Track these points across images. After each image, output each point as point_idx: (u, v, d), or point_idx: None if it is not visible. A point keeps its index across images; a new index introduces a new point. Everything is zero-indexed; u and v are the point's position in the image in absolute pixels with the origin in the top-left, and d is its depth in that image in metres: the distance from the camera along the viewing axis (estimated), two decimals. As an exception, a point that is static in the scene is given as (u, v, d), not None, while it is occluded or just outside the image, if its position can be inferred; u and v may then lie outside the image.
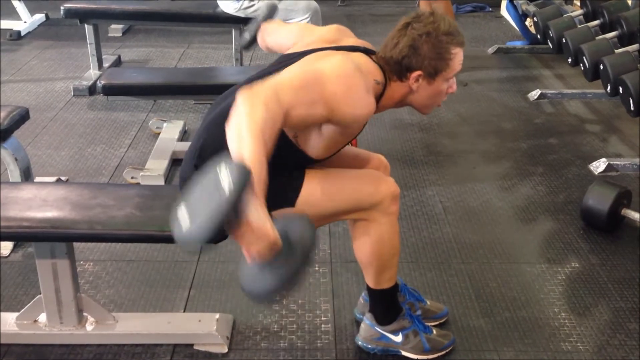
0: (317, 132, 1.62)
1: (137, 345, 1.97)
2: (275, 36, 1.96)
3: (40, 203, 1.87)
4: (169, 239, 1.81)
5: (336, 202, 1.71)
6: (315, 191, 1.68)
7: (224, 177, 1.18)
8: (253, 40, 2.05)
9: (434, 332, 1.97)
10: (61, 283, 1.89)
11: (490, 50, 4.76)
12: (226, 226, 1.19)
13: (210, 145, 1.69)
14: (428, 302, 2.09)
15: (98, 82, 2.86)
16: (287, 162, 1.63)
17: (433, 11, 1.68)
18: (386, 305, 1.91)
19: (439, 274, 2.33)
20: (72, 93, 3.82)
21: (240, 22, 3.66)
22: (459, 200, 2.82)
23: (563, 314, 2.15)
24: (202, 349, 1.96)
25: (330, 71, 1.53)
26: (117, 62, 4.28)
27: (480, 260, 2.42)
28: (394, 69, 1.67)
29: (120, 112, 3.60)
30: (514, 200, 2.85)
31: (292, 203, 1.66)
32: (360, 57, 1.65)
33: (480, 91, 4.07)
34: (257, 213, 1.22)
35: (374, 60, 1.68)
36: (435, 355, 1.94)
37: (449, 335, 2.00)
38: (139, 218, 1.81)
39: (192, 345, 1.97)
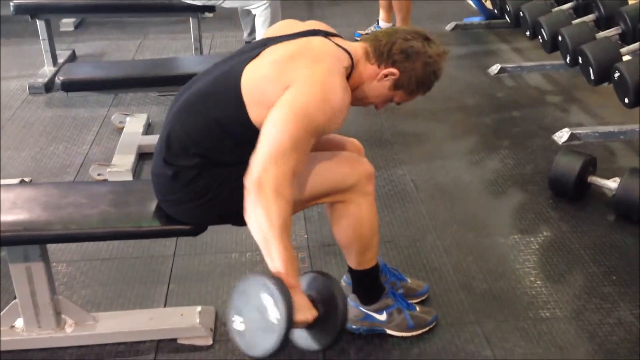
0: None
1: (119, 343, 1.93)
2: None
3: (10, 206, 1.81)
4: (145, 235, 1.81)
5: (313, 186, 1.71)
6: (293, 177, 1.67)
7: (271, 311, 1.42)
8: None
9: (417, 309, 1.99)
10: (37, 286, 1.85)
11: (448, 27, 4.80)
12: None
13: (177, 136, 1.67)
14: (409, 280, 2.11)
15: (56, 78, 2.78)
16: None
17: (448, 51, 1.74)
18: (369, 285, 1.92)
19: (415, 252, 2.36)
20: (27, 91, 3.71)
21: (197, 10, 3.60)
22: (430, 178, 2.85)
23: (539, 282, 2.20)
24: (187, 342, 1.94)
25: (311, 102, 1.53)
26: (72, 57, 4.17)
27: (455, 236, 2.45)
28: (382, 51, 1.68)
29: (80, 109, 3.52)
30: (483, 174, 2.89)
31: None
32: (323, 42, 1.65)
33: (441, 68, 4.09)
34: (299, 309, 1.45)
35: (335, 43, 1.67)
36: (419, 332, 1.96)
37: (431, 311, 2.02)
38: (113, 215, 1.77)
39: (176, 339, 1.94)
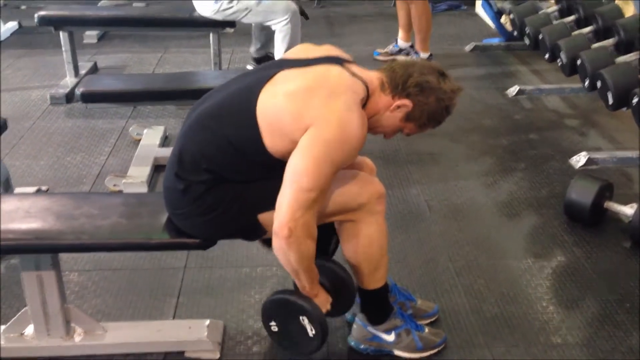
0: None
1: (127, 354, 1.94)
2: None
3: (24, 214, 1.83)
4: (155, 247, 1.82)
5: (324, 205, 1.70)
6: (303, 194, 1.68)
7: (310, 328, 1.80)
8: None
9: (426, 330, 1.97)
10: (47, 295, 1.86)
11: (468, 48, 4.79)
12: None
13: (189, 152, 1.68)
14: (418, 301, 2.09)
15: (76, 89, 2.83)
16: (275, 172, 1.63)
17: (461, 88, 1.77)
18: (378, 304, 1.91)
19: (427, 272, 2.34)
20: (49, 101, 3.76)
21: (217, 25, 3.64)
22: (444, 199, 2.84)
23: (551, 307, 2.17)
24: (194, 355, 1.94)
25: (332, 140, 1.56)
26: (94, 69, 4.23)
27: (467, 257, 2.43)
28: (397, 83, 1.70)
29: (98, 120, 3.56)
30: (497, 196, 2.88)
31: (281, 207, 1.66)
32: (341, 73, 1.66)
33: (459, 89, 4.08)
34: (320, 300, 1.81)
35: (350, 72, 1.68)
36: (428, 354, 1.95)
37: (440, 333, 2.00)
38: (125, 227, 1.78)
39: (183, 352, 1.95)
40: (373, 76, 1.73)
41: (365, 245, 1.77)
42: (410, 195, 2.86)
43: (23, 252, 1.80)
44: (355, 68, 1.72)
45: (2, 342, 1.91)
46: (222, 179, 1.67)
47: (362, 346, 1.95)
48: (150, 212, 1.84)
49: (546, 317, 2.13)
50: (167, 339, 1.96)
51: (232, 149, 1.64)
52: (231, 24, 3.66)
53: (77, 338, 1.94)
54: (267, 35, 3.96)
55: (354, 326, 1.96)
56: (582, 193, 2.59)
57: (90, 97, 2.81)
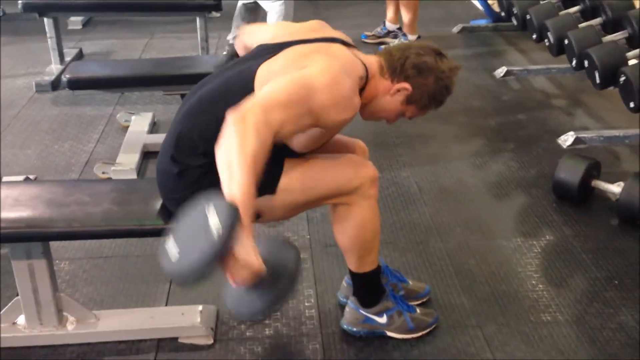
0: (302, 132, 1.62)
1: (120, 342, 1.94)
2: (256, 35, 1.92)
3: (13, 203, 1.82)
4: (148, 233, 1.81)
5: (316, 188, 1.71)
6: (295, 178, 1.67)
7: (214, 220, 1.25)
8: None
9: (418, 311, 1.99)
10: (39, 283, 1.86)
11: (455, 29, 4.79)
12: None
13: (187, 135, 1.67)
14: (410, 282, 2.11)
15: (62, 76, 2.80)
16: (275, 154, 1.61)
17: (459, 67, 1.76)
18: (369, 287, 1.92)
19: (418, 254, 2.35)
20: (34, 89, 3.73)
21: (204, 9, 3.61)
22: (434, 180, 2.85)
23: (541, 286, 2.19)
24: (187, 341, 1.94)
25: (318, 79, 1.51)
26: (79, 56, 4.19)
27: (458, 238, 2.45)
28: (395, 66, 1.69)
29: (86, 107, 3.53)
30: (486, 177, 2.89)
31: (272, 190, 1.65)
32: (341, 49, 1.65)
33: (447, 70, 4.08)
34: (243, 245, 1.28)
35: (354, 54, 1.67)
36: (420, 334, 1.96)
37: (432, 313, 2.02)
38: (117, 213, 1.78)
39: (176, 338, 1.95)
40: (372, 60, 1.72)
41: (358, 228, 1.77)
42: (400, 177, 2.87)
43: (13, 241, 1.79)
44: (356, 51, 1.72)
45: (-5, 332, 1.91)
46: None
47: (355, 329, 1.96)
48: (143, 198, 1.84)
49: (536, 295, 2.15)
50: (160, 325, 1.96)
51: None
52: (217, 7, 3.63)
53: (70, 327, 1.94)
54: (249, 23, 3.94)
55: (347, 309, 1.97)
56: (570, 172, 2.61)
57: (76, 84, 2.79)
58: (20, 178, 2.77)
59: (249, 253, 1.28)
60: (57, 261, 2.30)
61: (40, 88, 3.71)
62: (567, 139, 3.13)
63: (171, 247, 1.32)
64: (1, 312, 1.92)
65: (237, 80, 1.64)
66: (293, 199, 1.67)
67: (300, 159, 1.70)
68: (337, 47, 1.66)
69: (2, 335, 1.91)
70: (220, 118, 1.62)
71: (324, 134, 1.64)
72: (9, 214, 1.78)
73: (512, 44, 4.49)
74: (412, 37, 4.30)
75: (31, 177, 2.83)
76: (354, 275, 1.90)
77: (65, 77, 2.77)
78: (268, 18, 3.65)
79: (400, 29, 4.42)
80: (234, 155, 1.32)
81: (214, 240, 1.23)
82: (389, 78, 1.71)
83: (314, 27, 1.77)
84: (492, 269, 2.27)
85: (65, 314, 1.95)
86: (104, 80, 2.86)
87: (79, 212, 1.77)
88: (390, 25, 4.47)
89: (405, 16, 4.26)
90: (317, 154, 1.74)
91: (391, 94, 1.72)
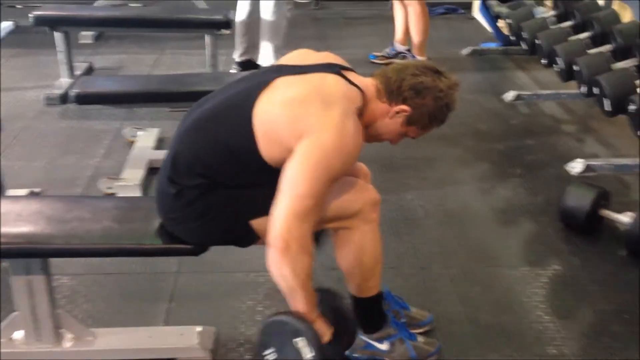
0: None
1: (117, 361, 1.92)
2: None
3: (15, 217, 1.81)
4: (147, 252, 1.80)
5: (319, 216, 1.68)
6: (296, 201, 1.65)
7: (305, 352, 1.57)
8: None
9: (420, 339, 1.95)
10: (37, 300, 1.83)
11: (465, 51, 4.78)
12: None
13: (183, 156, 1.66)
14: (412, 310, 2.07)
15: (70, 90, 2.80)
16: (270, 178, 1.61)
17: (458, 83, 1.74)
18: (371, 313, 1.89)
19: (421, 280, 2.32)
20: (43, 102, 3.72)
21: (213, 26, 3.62)
22: (439, 204, 2.82)
23: (546, 317, 2.15)
24: (185, 363, 1.92)
25: (327, 149, 1.53)
26: (89, 70, 4.20)
27: (462, 265, 2.41)
28: (392, 89, 1.68)
29: (93, 121, 3.53)
30: (493, 202, 2.86)
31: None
32: (337, 82, 1.63)
33: (456, 93, 4.07)
34: (319, 329, 1.60)
35: (347, 80, 1.66)
36: (421, 363, 1.93)
37: (434, 342, 1.98)
38: (116, 231, 1.76)
39: (174, 359, 1.92)
40: (369, 83, 1.71)
41: (358, 253, 1.75)
42: (405, 200, 2.84)
43: (12, 257, 1.78)
44: (352, 75, 1.70)
45: (-9, 347, 1.89)
46: (215, 184, 1.65)
47: (355, 355, 1.92)
48: (143, 217, 1.82)
49: (541, 326, 2.11)
50: (158, 345, 1.94)
51: (228, 154, 1.62)
52: (226, 25, 3.64)
53: (67, 344, 1.91)
54: (250, 40, 3.97)
55: (348, 334, 1.94)
56: (578, 200, 2.58)
57: (83, 99, 2.78)
58: (25, 191, 2.77)
59: (325, 337, 1.60)
60: (58, 276, 2.28)
61: (49, 101, 3.71)
62: (575, 166, 3.09)
63: (270, 355, 1.64)
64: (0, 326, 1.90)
65: (234, 104, 1.64)
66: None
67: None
68: (331, 79, 1.63)
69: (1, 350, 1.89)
70: (217, 140, 1.62)
71: None
72: (10, 229, 1.76)
73: (522, 67, 4.48)
74: (420, 59, 4.30)
75: (36, 190, 2.82)
76: (355, 300, 1.87)
77: (73, 92, 2.77)
78: (262, 24, 3.77)
79: (409, 50, 4.42)
80: (291, 283, 1.56)
81: None
82: (387, 101, 1.69)
83: (303, 55, 1.76)
84: (496, 298, 2.24)
85: (62, 330, 1.93)
86: (111, 96, 2.86)
87: (79, 229, 1.76)
88: (399, 47, 4.47)
89: (415, 38, 4.26)
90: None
91: (390, 117, 1.71)
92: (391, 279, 2.30)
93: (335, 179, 1.58)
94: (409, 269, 2.38)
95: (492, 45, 4.84)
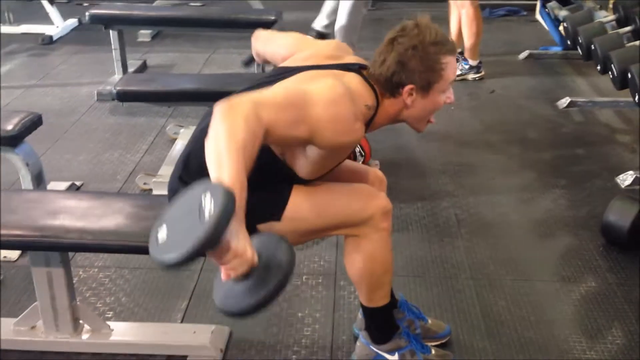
0: (302, 153, 1.58)
1: (131, 355, 1.95)
2: (270, 45, 1.92)
3: (41, 212, 1.85)
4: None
5: (324, 217, 1.66)
6: (302, 206, 1.63)
7: (208, 206, 1.18)
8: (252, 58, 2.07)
9: (433, 352, 1.90)
10: (56, 291, 1.89)
11: (522, 55, 4.63)
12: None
13: (195, 156, 1.67)
14: (429, 321, 2.02)
15: (113, 88, 2.87)
16: (275, 177, 1.60)
17: (418, 22, 1.62)
18: (380, 323, 1.85)
19: (445, 290, 2.26)
20: (95, 98, 3.85)
21: (262, 26, 3.63)
22: (474, 213, 2.74)
23: (574, 336, 2.05)
24: (196, 360, 1.93)
25: (318, 95, 1.47)
26: (143, 67, 4.31)
27: (491, 277, 2.33)
28: (385, 85, 1.63)
29: (140, 117, 3.62)
30: (532, 213, 2.75)
31: (278, 217, 1.62)
32: (353, 78, 1.60)
33: (507, 98, 3.96)
34: (236, 235, 1.24)
35: (367, 80, 1.63)
36: (432, 377, 1.88)
37: (448, 355, 1.92)
38: (129, 229, 1.79)
39: (186, 356, 1.94)
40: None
41: (366, 262, 1.71)
42: (440, 207, 2.77)
43: (32, 249, 1.84)
44: (373, 80, 1.65)
45: (13, 334, 1.95)
46: (224, 184, 1.64)
47: (365, 365, 1.89)
48: (157, 215, 1.84)
49: (567, 346, 2.01)
50: (171, 342, 1.96)
51: None
52: (274, 23, 3.65)
53: (85, 336, 1.97)
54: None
55: (358, 343, 1.91)
56: (621, 215, 2.44)
57: (124, 96, 2.86)
58: (66, 184, 2.87)
59: (240, 241, 1.24)
60: (87, 268, 2.35)
61: (101, 97, 3.84)
62: (626, 179, 2.94)
63: (161, 230, 1.27)
64: (21, 315, 1.97)
65: None
66: (298, 227, 1.63)
67: (308, 187, 1.66)
68: (351, 76, 1.61)
69: (20, 338, 1.96)
70: None
71: (326, 158, 1.59)
72: (34, 222, 1.82)
73: (580, 73, 4.29)
74: (472, 63, 4.19)
75: (77, 183, 2.92)
76: (364, 309, 1.84)
77: (114, 89, 2.85)
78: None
79: (461, 53, 4.31)
80: (223, 143, 1.28)
81: (207, 226, 1.17)
82: (391, 96, 1.64)
83: (330, 52, 1.72)
84: (522, 313, 2.15)
85: (81, 322, 1.98)
86: (152, 94, 2.92)
87: (95, 225, 1.80)
88: (452, 50, 4.36)
89: (467, 41, 4.15)
90: (326, 182, 1.70)
91: (410, 102, 1.63)
92: (414, 287, 2.26)
93: (309, 125, 1.44)
94: (434, 278, 2.32)
95: (552, 49, 4.67)
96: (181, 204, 1.29)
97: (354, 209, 1.67)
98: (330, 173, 1.70)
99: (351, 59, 1.71)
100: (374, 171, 1.89)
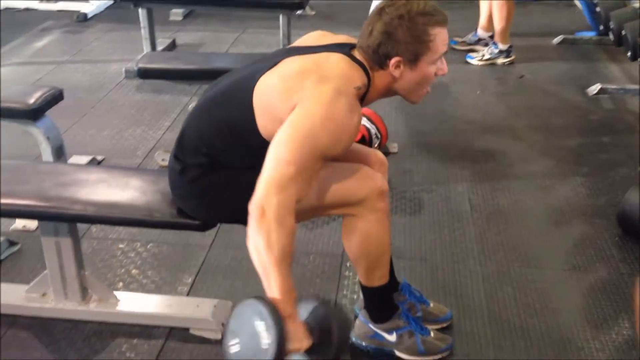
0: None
1: (135, 325, 2.00)
2: None
3: (55, 183, 1.91)
4: (155, 225, 1.87)
5: (321, 196, 1.66)
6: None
7: (264, 337, 1.36)
8: None
9: (432, 334, 1.90)
10: (65, 261, 1.95)
11: (556, 40, 4.52)
12: None
13: (188, 135, 1.71)
14: (431, 304, 2.01)
15: (134, 65, 2.92)
16: None
17: None
18: (379, 303, 1.86)
19: (451, 274, 2.25)
20: (123, 75, 3.92)
21: (287, 7, 3.64)
22: (489, 199, 2.70)
23: (578, 325, 2.02)
24: (197, 333, 1.97)
25: (314, 122, 1.48)
26: (172, 46, 4.36)
27: (499, 263, 2.31)
28: (373, 58, 1.61)
29: (165, 95, 3.67)
30: (549, 201, 2.71)
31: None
32: (339, 60, 1.60)
33: (536, 84, 3.88)
34: (294, 334, 1.38)
35: (353, 58, 1.62)
36: (429, 359, 1.87)
37: (447, 339, 1.92)
38: (131, 202, 1.83)
39: (188, 329, 1.98)
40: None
41: (363, 242, 1.72)
42: (455, 192, 2.75)
43: (41, 218, 1.90)
44: (362, 55, 1.65)
45: (25, 301, 2.03)
46: (218, 163, 1.67)
47: (363, 343, 1.90)
48: (161, 190, 1.87)
49: (570, 335, 1.98)
50: (174, 314, 2.01)
51: (229, 133, 1.64)
52: (300, 6, 3.65)
53: (92, 304, 2.02)
54: None
55: (357, 322, 1.92)
56: (638, 204, 2.38)
57: (146, 74, 2.89)
58: (88, 158, 2.94)
59: (298, 343, 1.39)
60: (101, 240, 2.42)
61: (128, 74, 3.91)
62: (650, 168, 2.87)
63: (234, 347, 1.44)
64: (32, 282, 2.04)
65: (240, 85, 1.64)
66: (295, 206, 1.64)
67: (304, 167, 1.67)
68: (335, 58, 1.60)
69: (31, 305, 2.03)
70: (220, 120, 1.65)
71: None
72: (42, 192, 1.88)
73: (614, 60, 4.18)
74: (502, 47, 4.11)
75: (98, 158, 2.99)
76: (363, 288, 1.85)
77: (136, 67, 2.89)
78: None
79: (492, 37, 4.23)
80: (264, 257, 1.41)
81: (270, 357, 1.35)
82: (380, 69, 1.62)
83: (317, 37, 1.73)
84: (528, 300, 2.13)
85: (90, 292, 2.04)
86: (173, 72, 2.95)
87: (100, 197, 1.84)
88: (482, 33, 4.30)
89: (497, 24, 4.08)
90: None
91: (398, 76, 1.62)
92: (420, 271, 2.26)
93: (324, 155, 1.50)
94: (441, 262, 2.31)
95: (587, 35, 4.55)
96: (239, 320, 1.46)
97: (349, 189, 1.67)
98: None
99: (341, 38, 1.71)
100: (375, 152, 1.89)
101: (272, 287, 1.41)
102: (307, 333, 1.41)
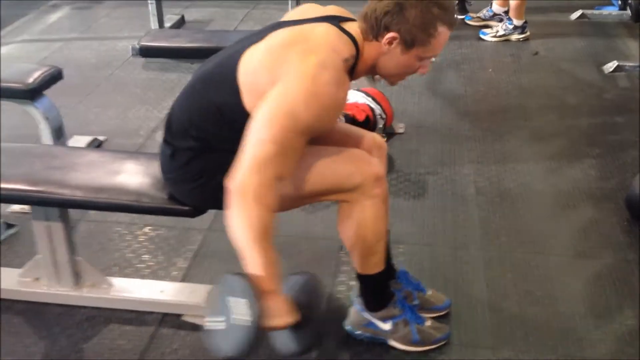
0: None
1: (128, 310, 1.99)
2: None
3: (47, 165, 1.88)
4: (145, 210, 1.83)
5: (314, 182, 1.62)
6: (293, 171, 1.59)
7: (241, 313, 1.34)
8: None
9: (428, 323, 1.86)
10: (56, 245, 1.94)
11: (574, 15, 4.39)
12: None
13: (175, 118, 1.67)
14: (429, 292, 1.97)
15: (136, 43, 2.87)
16: None
17: None
18: (374, 291, 1.82)
19: (452, 260, 2.20)
20: (130, 52, 3.88)
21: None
22: (495, 181, 2.63)
23: (580, 314, 1.97)
24: (190, 320, 1.95)
25: (295, 98, 1.43)
26: (180, 22, 4.31)
27: (502, 248, 2.25)
28: (373, 24, 1.54)
29: (172, 74, 3.63)
30: (556, 183, 2.63)
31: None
32: (326, 30, 1.53)
33: (550, 61, 3.77)
34: (276, 310, 1.37)
35: (342, 29, 1.55)
36: (424, 348, 1.83)
37: (444, 328, 1.88)
38: (122, 186, 1.80)
39: (181, 315, 1.96)
40: (358, 29, 1.58)
41: (358, 228, 1.67)
42: (460, 174, 2.68)
43: (32, 203, 1.88)
44: (350, 26, 1.58)
45: (17, 285, 2.02)
46: (208, 147, 1.63)
47: (357, 332, 1.87)
48: (153, 174, 1.84)
49: (571, 324, 1.93)
50: (167, 300, 1.99)
51: (217, 114, 1.59)
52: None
53: (85, 290, 2.01)
54: None
55: (351, 310, 1.88)
56: (648, 189, 2.30)
57: (147, 52, 2.84)
58: (89, 139, 2.92)
59: (279, 319, 1.37)
60: (99, 223, 2.40)
61: (135, 52, 3.85)
62: (665, 150, 2.77)
63: (213, 327, 1.42)
64: (24, 267, 2.03)
65: (225, 63, 1.60)
66: (288, 192, 1.59)
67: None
68: (321, 28, 1.54)
69: (23, 289, 2.02)
70: (208, 101, 1.60)
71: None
72: (35, 176, 1.85)
73: (634, 36, 4.03)
74: (517, 22, 3.99)
75: (100, 138, 2.96)
76: (358, 276, 1.80)
77: (137, 45, 2.84)
78: None
79: (507, 12, 4.11)
80: (245, 235, 1.39)
81: (244, 335, 1.33)
82: (373, 38, 1.55)
83: (306, 10, 1.66)
84: (528, 287, 2.07)
85: (83, 277, 2.02)
86: (174, 50, 2.89)
87: (90, 181, 1.81)
88: (497, 8, 4.18)
89: (512, -1, 3.96)
90: (318, 145, 1.64)
91: (386, 52, 1.56)
92: (420, 256, 2.22)
93: (307, 132, 1.46)
94: (442, 248, 2.26)
95: (607, 10, 4.40)
96: (216, 298, 1.43)
97: (343, 175, 1.62)
98: (324, 135, 1.66)
99: (330, 10, 1.64)
100: (372, 136, 1.83)
101: (252, 263, 1.39)
102: (291, 309, 1.40)
